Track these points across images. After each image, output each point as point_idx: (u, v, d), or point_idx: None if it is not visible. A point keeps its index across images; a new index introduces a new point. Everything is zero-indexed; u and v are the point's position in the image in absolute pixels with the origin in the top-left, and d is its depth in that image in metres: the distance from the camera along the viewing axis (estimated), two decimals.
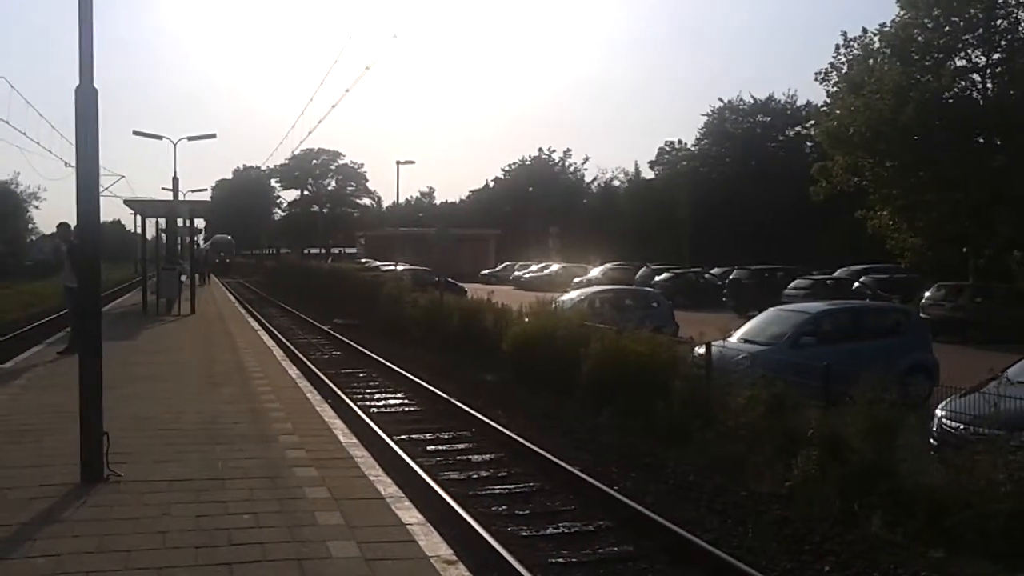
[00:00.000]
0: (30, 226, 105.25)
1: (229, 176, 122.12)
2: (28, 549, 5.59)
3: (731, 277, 40.36)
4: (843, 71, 35.62)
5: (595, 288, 28.57)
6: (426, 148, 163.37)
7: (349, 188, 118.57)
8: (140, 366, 14.23)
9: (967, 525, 7.75)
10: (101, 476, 7.11)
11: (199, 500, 6.71)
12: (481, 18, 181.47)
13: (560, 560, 7.98)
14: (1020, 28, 32.46)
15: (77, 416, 7.16)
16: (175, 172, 41.39)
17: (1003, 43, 32.70)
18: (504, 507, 9.55)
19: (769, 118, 76.09)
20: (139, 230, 35.37)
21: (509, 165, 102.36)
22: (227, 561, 5.42)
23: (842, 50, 35.65)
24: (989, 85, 33.30)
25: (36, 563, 5.37)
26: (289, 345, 22.60)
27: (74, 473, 7.14)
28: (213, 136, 45.93)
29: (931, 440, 10.51)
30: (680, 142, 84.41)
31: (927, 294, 28.95)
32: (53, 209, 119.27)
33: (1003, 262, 34.32)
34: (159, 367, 14.30)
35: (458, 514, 8.71)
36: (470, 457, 11.78)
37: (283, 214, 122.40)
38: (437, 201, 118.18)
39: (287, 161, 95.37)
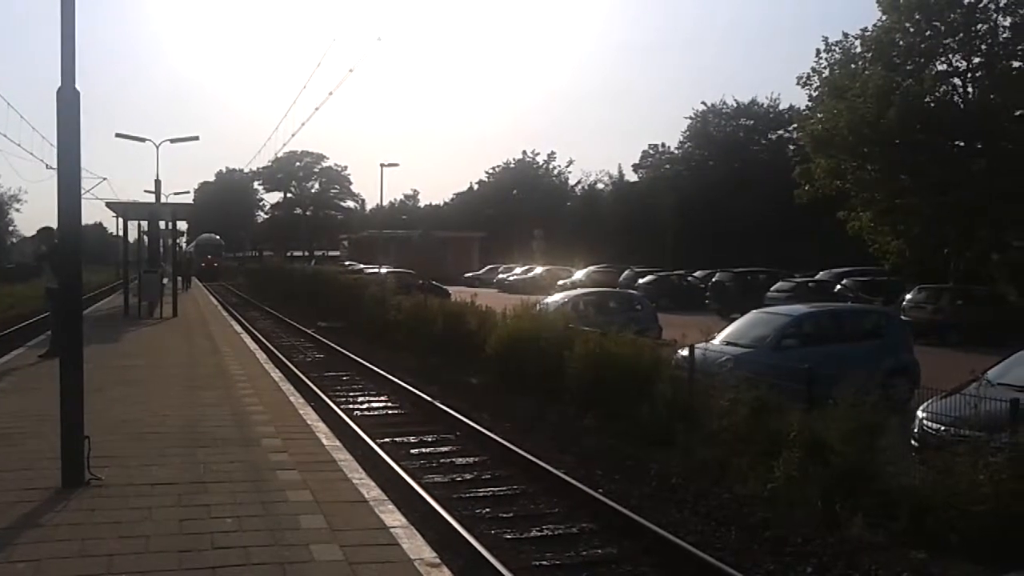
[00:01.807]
0: (10, 228, 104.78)
1: (212, 179, 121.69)
2: (8, 554, 5.54)
3: (714, 280, 40.48)
4: (825, 75, 35.84)
5: (579, 291, 28.59)
6: (410, 151, 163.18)
7: (332, 191, 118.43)
8: (122, 369, 14.13)
9: (948, 526, 7.81)
10: (82, 480, 7.06)
11: (182, 504, 6.68)
12: (465, 22, 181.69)
13: (544, 563, 7.98)
14: (1000, 33, 32.75)
15: (58, 420, 7.11)
16: (157, 174, 40.97)
17: (983, 47, 32.99)
18: (488, 510, 9.55)
19: (752, 121, 76.55)
20: (121, 233, 35.15)
21: (493, 168, 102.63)
22: (210, 565, 5.40)
23: (823, 54, 35.92)
24: (970, 89, 33.59)
25: (16, 568, 5.33)
26: (272, 348, 22.52)
27: (55, 477, 7.09)
28: (196, 139, 45.94)
29: (912, 442, 10.59)
30: (664, 145, 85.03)
31: (908, 296, 29.15)
32: (34, 212, 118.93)
33: (984, 265, 34.60)
34: (141, 370, 14.21)
35: (442, 517, 8.71)
36: (454, 460, 11.78)
37: (266, 217, 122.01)
38: (421, 204, 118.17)
39: (270, 163, 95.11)
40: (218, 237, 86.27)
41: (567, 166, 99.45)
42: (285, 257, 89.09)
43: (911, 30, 33.41)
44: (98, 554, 5.56)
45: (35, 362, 14.87)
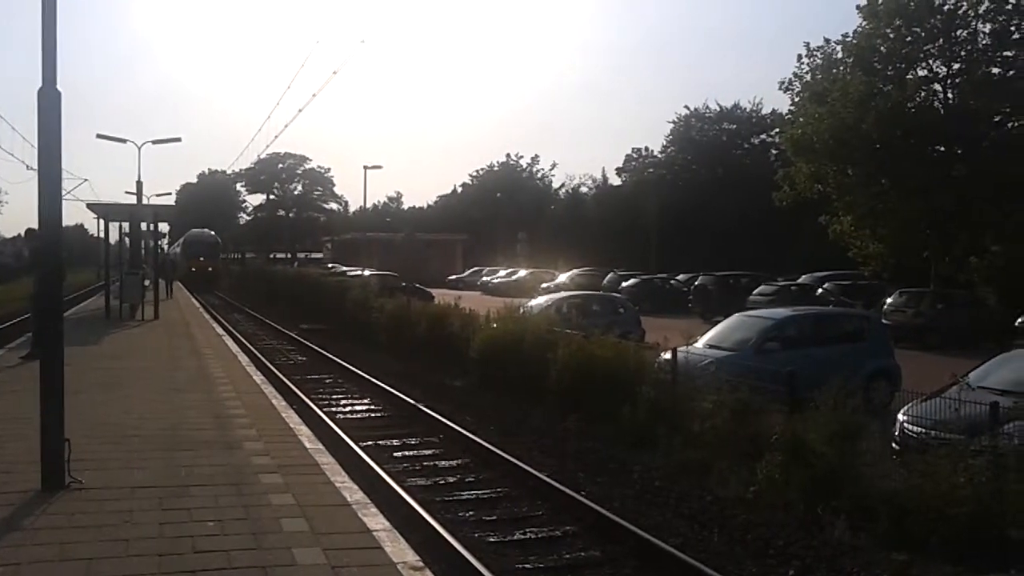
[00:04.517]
0: None
1: (194, 180, 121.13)
2: None
3: (697, 283, 40.62)
4: (806, 80, 36.05)
5: (562, 294, 28.63)
6: (394, 153, 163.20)
7: (316, 192, 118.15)
8: (103, 371, 14.05)
9: (929, 528, 7.85)
10: (62, 483, 7.01)
11: (162, 507, 6.64)
12: (449, 24, 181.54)
13: (527, 566, 7.99)
14: (979, 39, 33.03)
15: (38, 422, 7.05)
16: (139, 176, 40.87)
17: (963, 53, 33.23)
18: (471, 513, 9.54)
19: (735, 126, 76.91)
20: (102, 234, 34.94)
21: (477, 171, 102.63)
22: (191, 569, 5.37)
23: (805, 60, 36.12)
24: (950, 95, 33.84)
25: None
26: (254, 350, 22.42)
27: (35, 480, 7.03)
28: (178, 140, 45.56)
29: (893, 444, 10.64)
30: (647, 149, 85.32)
31: (889, 300, 29.33)
32: (14, 213, 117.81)
33: (963, 269, 34.88)
34: (122, 373, 14.12)
35: (425, 520, 8.69)
36: (437, 463, 11.76)
37: (248, 218, 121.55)
38: (405, 206, 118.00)
39: (253, 165, 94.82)
40: (212, 233, 68.53)
41: (551, 169, 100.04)
42: (268, 259, 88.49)
43: (891, 36, 33.61)
44: (78, 558, 5.52)
45: (17, 363, 14.74)
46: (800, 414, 9.83)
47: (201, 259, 61.46)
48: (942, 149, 34.02)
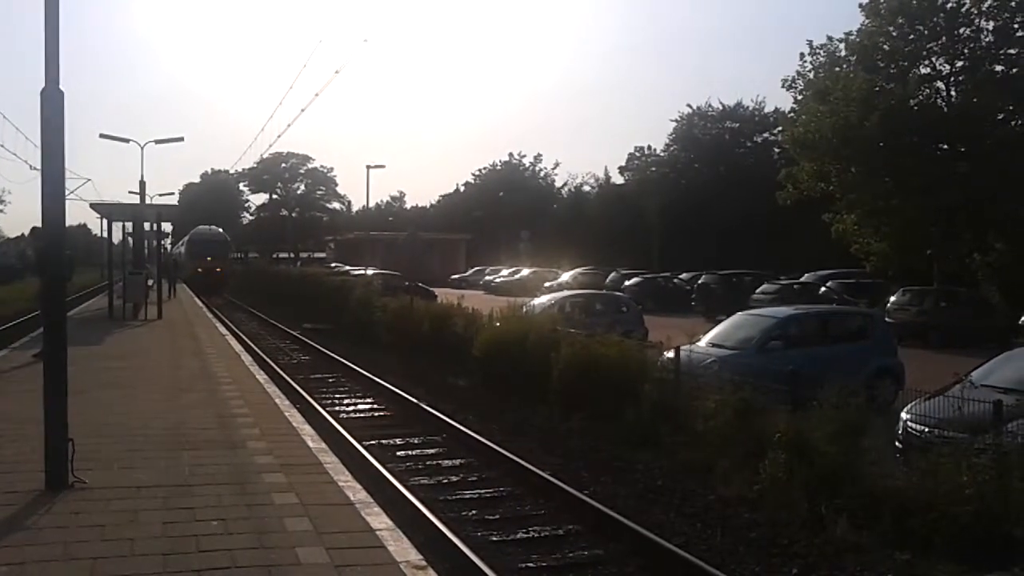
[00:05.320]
0: None
1: (197, 180, 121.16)
2: None
3: (700, 282, 40.58)
4: (809, 78, 36.03)
5: (565, 293, 28.63)
6: (397, 152, 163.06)
7: (318, 192, 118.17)
8: (106, 371, 14.07)
9: (932, 527, 7.84)
10: (66, 483, 7.03)
11: (166, 507, 6.65)
12: (452, 23, 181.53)
13: (530, 564, 7.98)
14: (982, 37, 32.99)
15: (40, 422, 7.07)
16: (142, 176, 40.83)
17: (966, 51, 33.22)
18: (474, 512, 9.54)
19: (738, 124, 76.76)
20: (105, 234, 35.00)
21: (480, 170, 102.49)
22: (195, 568, 5.38)
23: (808, 58, 36.11)
24: (953, 93, 33.81)
25: None
26: (257, 350, 22.42)
27: (39, 480, 7.05)
28: (181, 139, 45.63)
29: (897, 443, 10.64)
30: (650, 148, 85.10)
31: (892, 299, 29.29)
32: (18, 213, 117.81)
33: (966, 266, 34.84)
34: (125, 372, 14.15)
35: (428, 519, 8.70)
36: (440, 462, 11.76)
37: (251, 218, 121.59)
38: (407, 205, 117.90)
39: (256, 165, 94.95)
40: (220, 230, 62.23)
41: (553, 168, 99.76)
42: (271, 259, 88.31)
43: (894, 34, 33.61)
44: (82, 557, 5.53)
45: (30, 362, 14.72)
46: (803, 413, 9.82)
47: (208, 259, 55.35)
48: (945, 147, 34.01)
